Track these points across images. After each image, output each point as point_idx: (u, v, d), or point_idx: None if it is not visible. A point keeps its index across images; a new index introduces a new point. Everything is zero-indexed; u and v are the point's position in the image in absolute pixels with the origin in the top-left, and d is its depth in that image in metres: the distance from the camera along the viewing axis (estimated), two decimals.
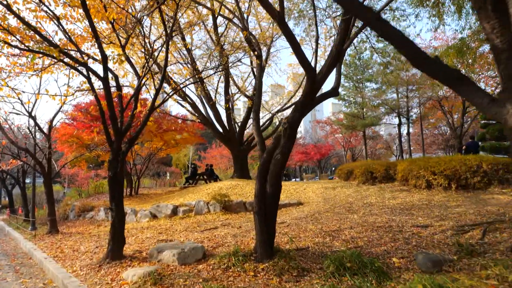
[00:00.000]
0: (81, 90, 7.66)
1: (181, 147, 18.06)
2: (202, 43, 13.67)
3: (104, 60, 5.93)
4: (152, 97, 6.99)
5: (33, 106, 10.16)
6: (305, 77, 5.59)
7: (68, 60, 6.06)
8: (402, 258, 5.30)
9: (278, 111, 16.20)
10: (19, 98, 9.86)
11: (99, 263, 6.18)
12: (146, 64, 6.28)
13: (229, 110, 15.67)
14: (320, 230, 7.47)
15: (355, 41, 9.87)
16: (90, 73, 6.43)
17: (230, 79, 15.29)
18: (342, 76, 26.39)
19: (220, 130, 15.92)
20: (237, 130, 16.38)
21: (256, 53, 8.13)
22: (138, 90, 7.15)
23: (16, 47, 5.30)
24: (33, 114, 10.17)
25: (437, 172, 9.48)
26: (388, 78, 17.83)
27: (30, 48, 5.32)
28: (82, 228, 12.42)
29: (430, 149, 32.23)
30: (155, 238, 8.43)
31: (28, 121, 11.87)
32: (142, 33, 6.48)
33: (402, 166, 11.04)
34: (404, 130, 26.04)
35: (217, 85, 15.65)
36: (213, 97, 15.55)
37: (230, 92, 15.38)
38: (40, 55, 5.72)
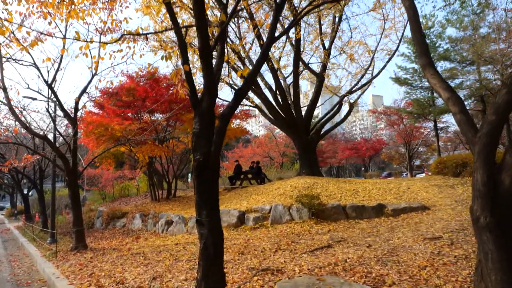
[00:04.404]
0: (131, 33, 4.82)
1: (225, 141, 15.14)
2: None
3: None
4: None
5: (56, 73, 7.32)
6: None
7: None
8: None
9: (349, 92, 13.10)
10: (34, 63, 7.11)
11: None
12: None
13: (298, 88, 12.57)
14: None
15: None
16: None
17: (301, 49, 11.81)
18: (404, 58, 23.11)
19: (282, 114, 12.66)
20: (303, 115, 13.18)
21: None
22: (226, 24, 4.19)
23: None
24: (53, 86, 7.39)
25: None
26: (479, 49, 14.38)
27: None
28: (115, 241, 9.59)
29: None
30: (241, 262, 5.48)
31: (48, 103, 9.14)
32: None
33: None
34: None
35: (281, 54, 12.52)
36: (276, 67, 12.08)
37: (299, 65, 12.26)
38: None
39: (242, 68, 12.96)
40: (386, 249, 5.32)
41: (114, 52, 5.37)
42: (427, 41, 21.89)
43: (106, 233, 11.35)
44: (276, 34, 4.10)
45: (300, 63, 12.58)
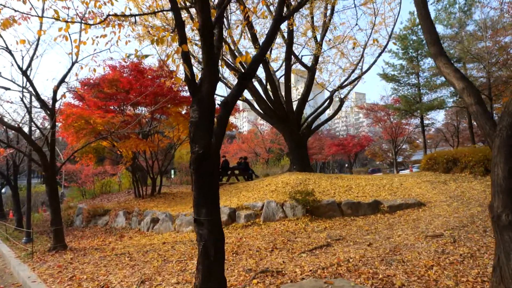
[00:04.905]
0: (116, 15, 4.35)
1: None
2: None
3: None
4: None
5: (31, 59, 6.68)
6: None
7: None
8: None
9: (339, 87, 12.93)
10: (7, 47, 6.49)
11: None
12: None
13: (289, 82, 12.23)
14: None
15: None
16: None
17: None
18: (392, 54, 23.26)
19: (273, 108, 12.27)
20: (295, 109, 12.82)
21: None
22: (226, 4, 3.82)
23: None
24: (29, 73, 6.76)
25: None
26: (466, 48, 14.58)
27: None
28: (97, 240, 9.04)
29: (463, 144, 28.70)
30: (236, 263, 5.17)
31: (22, 92, 8.45)
32: None
33: None
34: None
35: (272, 46, 12.12)
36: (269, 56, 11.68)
37: (291, 58, 11.93)
38: None
39: (231, 61, 12.56)
40: (388, 247, 5.11)
41: (97, 37, 4.89)
42: (415, 38, 22.20)
43: (87, 231, 10.74)
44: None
45: (292, 56, 12.28)
